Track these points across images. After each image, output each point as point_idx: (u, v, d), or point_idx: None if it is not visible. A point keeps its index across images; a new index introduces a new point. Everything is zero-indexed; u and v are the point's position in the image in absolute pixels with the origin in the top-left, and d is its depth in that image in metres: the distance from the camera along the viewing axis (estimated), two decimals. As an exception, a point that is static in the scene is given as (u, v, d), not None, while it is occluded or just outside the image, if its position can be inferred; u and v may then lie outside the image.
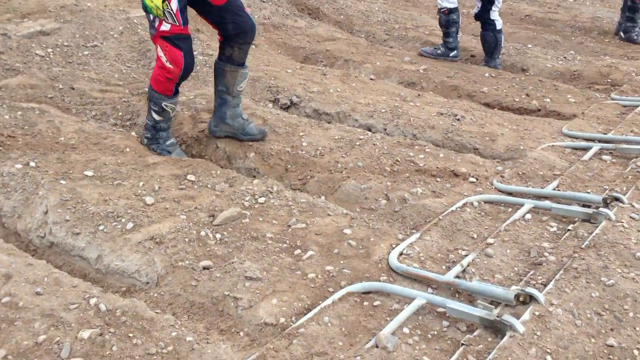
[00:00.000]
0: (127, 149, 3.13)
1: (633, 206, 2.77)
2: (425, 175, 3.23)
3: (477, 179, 3.20)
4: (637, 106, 4.29)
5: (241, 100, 3.49)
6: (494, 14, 5.17)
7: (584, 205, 2.89)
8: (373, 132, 3.91)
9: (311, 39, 5.60)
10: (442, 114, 4.03)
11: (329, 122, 4.01)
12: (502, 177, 3.21)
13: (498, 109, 4.43)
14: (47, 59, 4.11)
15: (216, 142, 3.42)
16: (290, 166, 3.25)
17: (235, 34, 3.25)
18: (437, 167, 3.29)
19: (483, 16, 5.18)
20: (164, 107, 3.23)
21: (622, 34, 6.40)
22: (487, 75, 4.95)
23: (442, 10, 5.21)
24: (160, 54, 3.07)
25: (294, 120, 3.77)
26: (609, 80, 5.07)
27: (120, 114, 3.64)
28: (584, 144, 3.67)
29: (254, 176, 3.26)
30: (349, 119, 4.04)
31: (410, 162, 3.33)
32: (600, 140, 3.73)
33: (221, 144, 3.40)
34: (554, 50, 5.86)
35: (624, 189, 3.02)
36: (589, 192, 3.03)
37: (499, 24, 5.19)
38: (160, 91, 3.19)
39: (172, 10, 2.97)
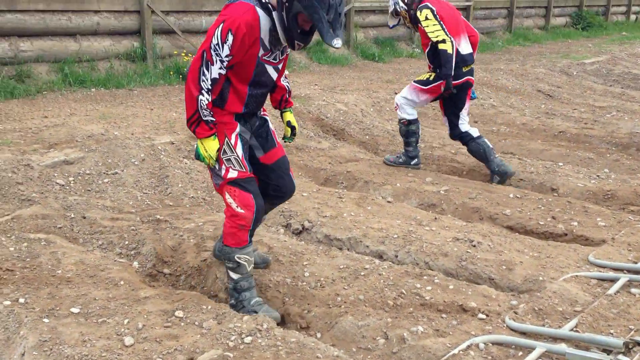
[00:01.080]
0: (122, 282, 3.08)
1: (658, 353, 2.47)
2: (431, 310, 3.02)
3: (487, 315, 2.96)
4: (672, 230, 4.00)
5: None
6: (464, 127, 5.29)
7: (603, 350, 2.60)
8: (384, 259, 3.75)
9: (333, 160, 5.62)
10: (458, 239, 3.85)
11: (340, 249, 3.89)
12: (515, 313, 2.96)
13: (521, 233, 4.21)
14: (67, 187, 4.23)
15: (216, 273, 3.33)
16: (288, 299, 3.11)
17: (274, 195, 3.23)
18: (445, 301, 3.08)
19: (455, 133, 5.32)
20: (238, 260, 3.00)
21: None
22: (511, 196, 4.78)
23: (401, 121, 5.39)
24: (230, 200, 2.95)
25: (301, 247, 3.67)
26: (644, 200, 4.80)
27: (126, 242, 3.64)
28: (611, 274, 3.39)
29: (251, 310, 3.13)
30: (360, 245, 3.91)
31: (415, 295, 3.14)
32: (629, 271, 3.45)
33: (220, 274, 3.31)
34: (587, 168, 5.67)
35: (651, 330, 2.72)
36: (611, 334, 2.75)
37: (474, 132, 5.29)
38: (234, 244, 2.98)
39: (238, 156, 2.94)
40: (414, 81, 5.32)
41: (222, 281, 3.29)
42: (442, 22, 4.93)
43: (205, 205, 4.26)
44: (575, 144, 6.68)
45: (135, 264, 3.45)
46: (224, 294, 3.25)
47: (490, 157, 5.23)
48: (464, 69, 5.13)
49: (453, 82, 5.04)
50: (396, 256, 3.76)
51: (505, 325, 2.86)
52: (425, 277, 3.33)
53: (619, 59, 12.70)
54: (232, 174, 2.95)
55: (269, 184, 3.19)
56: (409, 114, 5.34)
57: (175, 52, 8.46)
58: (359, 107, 7.18)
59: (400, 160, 5.50)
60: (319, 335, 2.90)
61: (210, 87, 2.81)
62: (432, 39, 4.92)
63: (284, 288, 3.17)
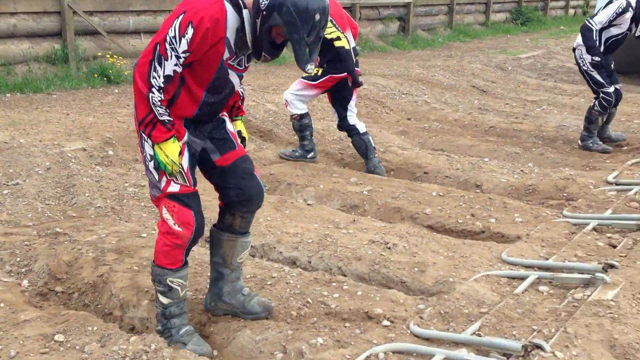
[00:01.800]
0: (1, 304, 2.85)
1: (555, 355, 2.41)
2: (335, 319, 2.90)
3: (392, 322, 2.86)
4: (587, 225, 4.00)
5: (242, 273, 3.01)
6: (352, 120, 5.34)
7: (504, 354, 2.53)
8: (297, 266, 3.62)
9: (257, 162, 5.45)
10: (374, 242, 3.75)
11: (252, 256, 3.74)
12: (421, 318, 2.87)
13: (440, 232, 4.15)
14: (-39, 201, 3.95)
15: (111, 289, 3.13)
16: (188, 314, 2.93)
17: (238, 201, 2.80)
18: (350, 309, 2.96)
19: (343, 125, 5.39)
20: (170, 284, 2.66)
21: (579, 142, 6.25)
22: (434, 194, 4.72)
23: (293, 116, 5.42)
24: (167, 216, 2.59)
25: (208, 257, 3.50)
26: (564, 194, 4.81)
27: (17, 259, 3.40)
28: (521, 272, 3.35)
29: (147, 327, 2.95)
30: (273, 251, 3.76)
31: (321, 304, 3.01)
32: (540, 268, 3.42)
33: (116, 290, 3.11)
34: (513, 163, 5.67)
35: (552, 330, 2.66)
36: (514, 336, 2.68)
37: (361, 127, 5.36)
38: (166, 264, 2.65)
39: (183, 169, 2.59)
40: (302, 77, 5.33)
41: (118, 297, 3.09)
42: (333, 19, 4.90)
43: (112, 215, 4.05)
44: (504, 139, 6.71)
45: (25, 282, 3.22)
46: (119, 311, 3.05)
47: (370, 155, 5.36)
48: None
49: (340, 75, 5.10)
50: (309, 262, 3.64)
51: (409, 332, 2.77)
52: (334, 284, 3.21)
53: (554, 53, 12.93)
54: (173, 188, 2.59)
55: (229, 188, 2.79)
56: (300, 108, 5.39)
57: (100, 54, 8.14)
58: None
59: (297, 154, 5.53)
60: (215, 353, 2.74)
61: (162, 85, 2.44)
62: (326, 36, 4.85)
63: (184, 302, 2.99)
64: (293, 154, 5.58)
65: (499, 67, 10.94)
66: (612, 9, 5.93)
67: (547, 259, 3.51)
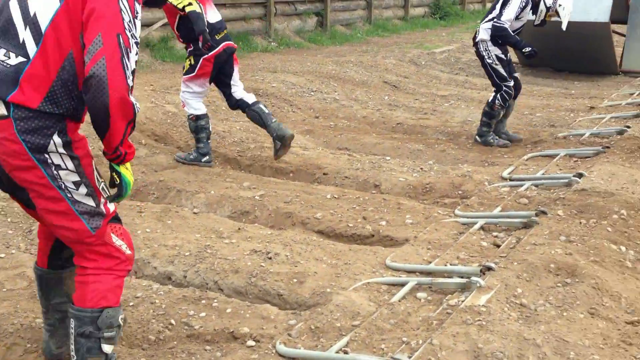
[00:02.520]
0: None
1: (415, 373, 2.30)
2: (197, 341, 2.71)
3: (258, 342, 2.69)
4: (475, 224, 3.97)
5: None
6: (238, 94, 5.22)
7: (366, 372, 2.41)
8: (172, 281, 3.40)
9: (148, 168, 5.18)
10: (256, 251, 3.57)
11: (126, 273, 3.48)
12: (289, 335, 2.72)
13: (330, 237, 4.03)
14: None
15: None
16: (29, 345, 2.67)
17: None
18: (215, 329, 2.77)
19: (232, 102, 5.29)
20: (122, 322, 2.28)
21: (477, 137, 6.29)
22: (329, 196, 4.59)
23: (190, 117, 5.23)
24: (119, 243, 2.23)
25: (70, 278, 3.22)
26: (460, 192, 4.79)
27: None
28: (402, 279, 3.25)
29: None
30: (147, 266, 3.52)
31: (184, 325, 2.81)
32: (422, 273, 3.34)
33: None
34: (414, 161, 5.62)
35: (419, 342, 2.56)
36: (382, 349, 2.56)
37: (249, 98, 5.24)
38: (117, 302, 2.26)
39: (106, 183, 2.24)
40: (183, 75, 5.20)
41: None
42: None
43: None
44: (410, 136, 6.67)
45: None
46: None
47: (267, 122, 5.21)
48: (217, 37, 5.03)
49: (212, 52, 4.97)
50: (185, 277, 3.42)
51: (274, 352, 2.61)
52: (203, 302, 3.01)
53: (468, 46, 13.13)
54: (112, 207, 2.23)
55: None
56: (196, 108, 5.19)
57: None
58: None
59: (191, 157, 5.31)
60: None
61: (132, 84, 2.03)
62: (178, 7, 4.72)
63: (27, 332, 2.71)
64: (187, 157, 5.34)
65: (412, 61, 10.99)
66: (514, 5, 5.91)
67: (430, 262, 3.43)
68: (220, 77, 5.18)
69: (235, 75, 5.22)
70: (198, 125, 5.20)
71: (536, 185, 4.69)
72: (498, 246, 3.67)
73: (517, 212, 4.07)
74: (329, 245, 3.73)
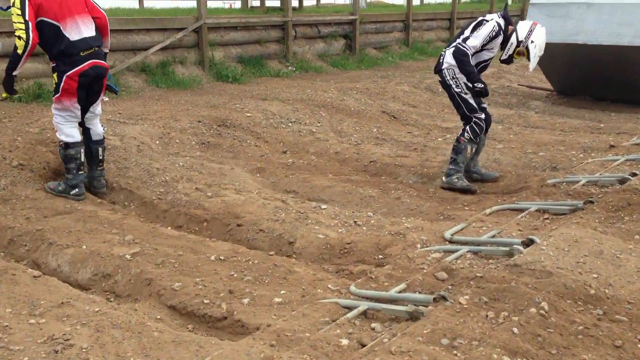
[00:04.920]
0: None
1: None
2: None
3: None
4: (356, 307, 3.06)
5: None
6: (89, 123, 4.97)
7: None
8: None
9: (39, 213, 4.58)
10: (53, 339, 2.85)
11: None
12: None
13: (183, 315, 3.27)
14: None
15: None
16: None
17: None
18: None
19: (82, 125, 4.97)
20: None
21: (444, 177, 5.37)
22: (213, 257, 3.81)
23: (60, 144, 4.85)
24: None
25: None
26: (380, 256, 3.91)
27: None
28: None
29: None
30: None
31: None
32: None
33: None
34: (354, 211, 4.75)
35: None
36: None
37: (96, 134, 5.02)
38: None
39: None
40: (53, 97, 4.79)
41: None
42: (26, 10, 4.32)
43: None
44: (375, 178, 5.78)
45: None
46: None
47: (92, 167, 5.01)
48: (82, 54, 4.61)
49: (75, 69, 4.58)
50: (-50, 369, 2.73)
51: None
52: None
53: (506, 72, 12.00)
54: None
55: None
56: (67, 134, 4.80)
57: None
58: (140, 140, 6.16)
59: (60, 188, 4.89)
60: None
61: None
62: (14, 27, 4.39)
63: None
64: (57, 187, 4.91)
65: (429, 88, 10.02)
66: (485, 32, 5.07)
67: (249, 370, 2.58)
68: (86, 101, 4.82)
69: (99, 102, 4.92)
70: (67, 154, 4.80)
71: (474, 252, 3.72)
72: (363, 345, 2.76)
73: (413, 294, 3.13)
74: (153, 334, 2.93)
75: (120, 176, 5.36)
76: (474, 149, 5.31)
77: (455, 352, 2.54)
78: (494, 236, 3.97)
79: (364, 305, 3.07)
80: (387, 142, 7.05)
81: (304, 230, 4.28)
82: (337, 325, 2.90)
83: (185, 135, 6.63)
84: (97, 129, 5.02)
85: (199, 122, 6.95)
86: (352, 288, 3.36)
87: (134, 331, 2.93)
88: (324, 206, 4.77)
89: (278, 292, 3.35)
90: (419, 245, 3.93)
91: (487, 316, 2.83)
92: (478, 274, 3.24)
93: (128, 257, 3.84)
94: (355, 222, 4.41)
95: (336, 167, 6.15)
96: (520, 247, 3.55)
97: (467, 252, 3.71)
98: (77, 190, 4.83)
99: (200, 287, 3.43)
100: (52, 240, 4.13)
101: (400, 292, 3.21)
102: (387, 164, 6.11)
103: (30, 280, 3.51)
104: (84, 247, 4.00)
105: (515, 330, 2.66)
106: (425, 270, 3.48)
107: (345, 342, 2.77)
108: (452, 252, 3.75)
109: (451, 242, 3.96)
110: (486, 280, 3.15)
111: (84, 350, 2.75)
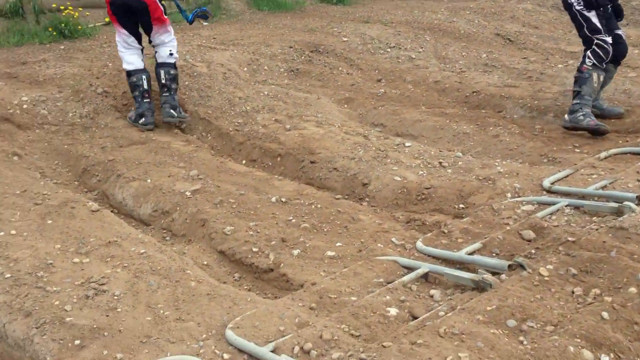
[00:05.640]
0: None
1: None
2: None
3: None
4: (417, 268, 2.63)
5: None
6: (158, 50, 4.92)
7: None
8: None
9: (114, 142, 4.51)
10: (90, 281, 2.73)
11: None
12: None
13: (232, 262, 3.01)
14: None
15: None
16: None
17: None
18: None
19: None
20: None
21: (566, 116, 4.55)
22: (274, 199, 3.51)
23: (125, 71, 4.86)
24: None
25: None
26: (461, 205, 3.41)
27: None
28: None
29: None
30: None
31: None
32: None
33: None
34: (442, 150, 4.22)
35: None
36: None
37: (161, 57, 4.92)
38: None
39: None
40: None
41: None
42: None
43: None
44: (475, 111, 5.12)
45: None
46: None
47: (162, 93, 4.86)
48: None
49: None
50: (-10, 306, 2.70)
51: None
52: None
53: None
54: None
55: None
56: (128, 62, 4.79)
57: (62, 6, 7.47)
58: (227, 67, 5.91)
59: (132, 117, 4.84)
60: None
61: None
62: None
63: None
64: (131, 117, 4.87)
65: (556, 7, 8.77)
66: None
67: (270, 341, 2.27)
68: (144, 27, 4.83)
69: (156, 32, 4.79)
70: (130, 82, 4.76)
71: (575, 207, 3.10)
72: (415, 318, 2.35)
73: (485, 258, 2.63)
74: (190, 283, 2.71)
75: (201, 105, 5.17)
76: (601, 77, 4.41)
77: (521, 338, 2.06)
78: (604, 187, 3.29)
79: (425, 267, 2.64)
80: (496, 70, 6.25)
81: (380, 171, 3.84)
82: (388, 290, 2.50)
83: (275, 61, 6.28)
84: (162, 52, 4.89)
85: (291, 47, 6.56)
86: (419, 244, 2.93)
87: (172, 279, 2.73)
88: (408, 143, 4.26)
89: (333, 244, 2.99)
90: (509, 195, 3.36)
91: (572, 293, 2.29)
92: (570, 238, 2.65)
93: (188, 194, 3.65)
94: (440, 163, 3.89)
95: (433, 98, 5.55)
96: (634, 205, 2.88)
97: (566, 205, 3.10)
98: (143, 119, 4.74)
99: (252, 232, 3.15)
100: (120, 171, 4.04)
101: (472, 253, 2.73)
102: (492, 95, 5.39)
103: (87, 215, 3.43)
104: (149, 180, 3.87)
105: (605, 314, 2.11)
106: (509, 227, 2.95)
107: (393, 311, 2.38)
108: (548, 204, 3.16)
109: (550, 192, 3.34)
110: (579, 247, 2.57)
111: (115, 297, 2.59)
